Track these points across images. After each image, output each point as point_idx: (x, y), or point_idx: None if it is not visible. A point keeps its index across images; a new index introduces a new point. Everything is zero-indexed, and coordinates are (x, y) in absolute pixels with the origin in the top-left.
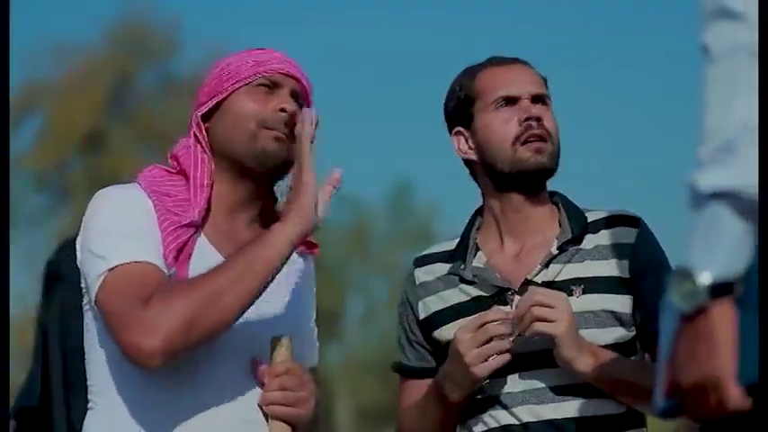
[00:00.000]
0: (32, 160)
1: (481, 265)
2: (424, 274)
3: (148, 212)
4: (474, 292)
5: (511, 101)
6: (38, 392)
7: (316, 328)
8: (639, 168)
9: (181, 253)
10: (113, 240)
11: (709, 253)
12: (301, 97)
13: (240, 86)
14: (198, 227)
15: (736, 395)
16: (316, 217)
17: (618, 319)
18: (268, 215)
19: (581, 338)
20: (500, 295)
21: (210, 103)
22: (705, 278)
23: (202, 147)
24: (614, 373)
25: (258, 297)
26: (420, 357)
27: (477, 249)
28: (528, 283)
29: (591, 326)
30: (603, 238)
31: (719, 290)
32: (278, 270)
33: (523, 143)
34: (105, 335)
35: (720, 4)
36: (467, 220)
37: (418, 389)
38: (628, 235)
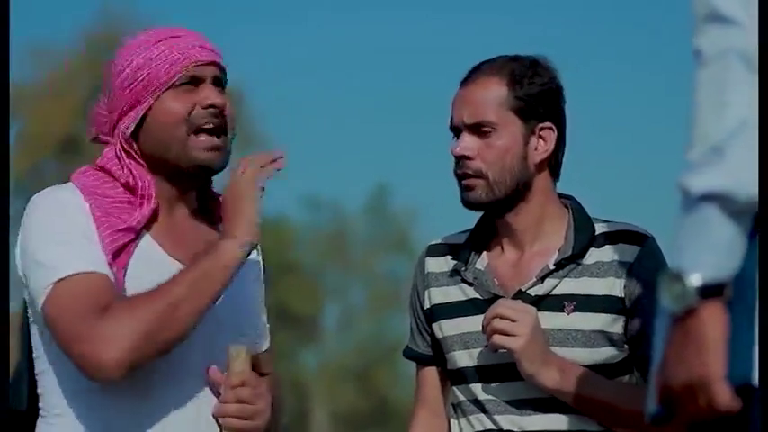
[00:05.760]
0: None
1: (482, 268)
2: (432, 264)
3: (86, 215)
4: (472, 293)
5: (454, 131)
6: (26, 395)
7: (266, 310)
8: (638, 168)
9: (118, 257)
10: (60, 249)
11: (700, 254)
12: (224, 80)
13: (161, 93)
14: (138, 232)
15: (725, 396)
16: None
17: (608, 339)
18: (207, 204)
19: (547, 353)
20: (494, 301)
21: (135, 117)
22: (695, 279)
23: (135, 159)
24: (583, 390)
25: (213, 304)
26: (428, 344)
27: (484, 249)
28: (520, 293)
29: (577, 344)
30: (605, 254)
31: (709, 291)
32: (233, 275)
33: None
34: (55, 349)
35: (712, 9)
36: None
37: (433, 375)
38: (629, 253)
